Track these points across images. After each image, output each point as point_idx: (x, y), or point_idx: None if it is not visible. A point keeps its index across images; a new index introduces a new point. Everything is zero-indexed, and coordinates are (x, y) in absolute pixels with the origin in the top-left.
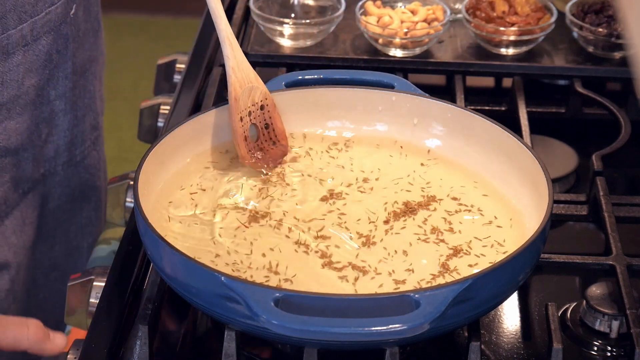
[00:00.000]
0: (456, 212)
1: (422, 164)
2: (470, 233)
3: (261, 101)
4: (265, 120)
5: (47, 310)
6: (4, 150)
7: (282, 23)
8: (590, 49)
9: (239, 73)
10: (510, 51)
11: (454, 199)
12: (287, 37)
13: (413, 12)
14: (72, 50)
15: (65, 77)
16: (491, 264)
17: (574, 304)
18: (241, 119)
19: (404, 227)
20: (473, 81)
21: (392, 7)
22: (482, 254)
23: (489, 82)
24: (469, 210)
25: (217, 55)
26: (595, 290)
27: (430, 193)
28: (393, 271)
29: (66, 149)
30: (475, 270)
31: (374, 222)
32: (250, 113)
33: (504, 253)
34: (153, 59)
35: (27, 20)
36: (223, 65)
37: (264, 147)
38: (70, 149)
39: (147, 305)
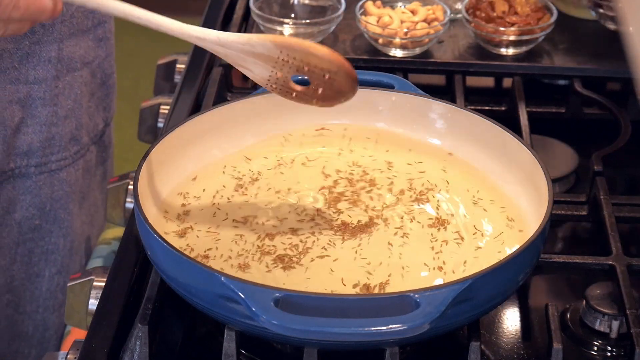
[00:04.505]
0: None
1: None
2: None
3: (282, 50)
4: (301, 59)
5: None
6: None
7: (282, 23)
8: (612, 26)
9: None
10: (510, 51)
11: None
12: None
13: (413, 12)
14: (60, 33)
15: (48, 60)
16: (491, 264)
17: (574, 304)
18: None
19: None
20: (473, 81)
21: (392, 7)
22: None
23: (489, 82)
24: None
25: (217, 55)
26: (595, 290)
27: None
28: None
29: (41, 148)
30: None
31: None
32: (282, 66)
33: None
34: (153, 59)
35: None
36: (223, 65)
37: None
38: (45, 150)
39: (147, 305)
